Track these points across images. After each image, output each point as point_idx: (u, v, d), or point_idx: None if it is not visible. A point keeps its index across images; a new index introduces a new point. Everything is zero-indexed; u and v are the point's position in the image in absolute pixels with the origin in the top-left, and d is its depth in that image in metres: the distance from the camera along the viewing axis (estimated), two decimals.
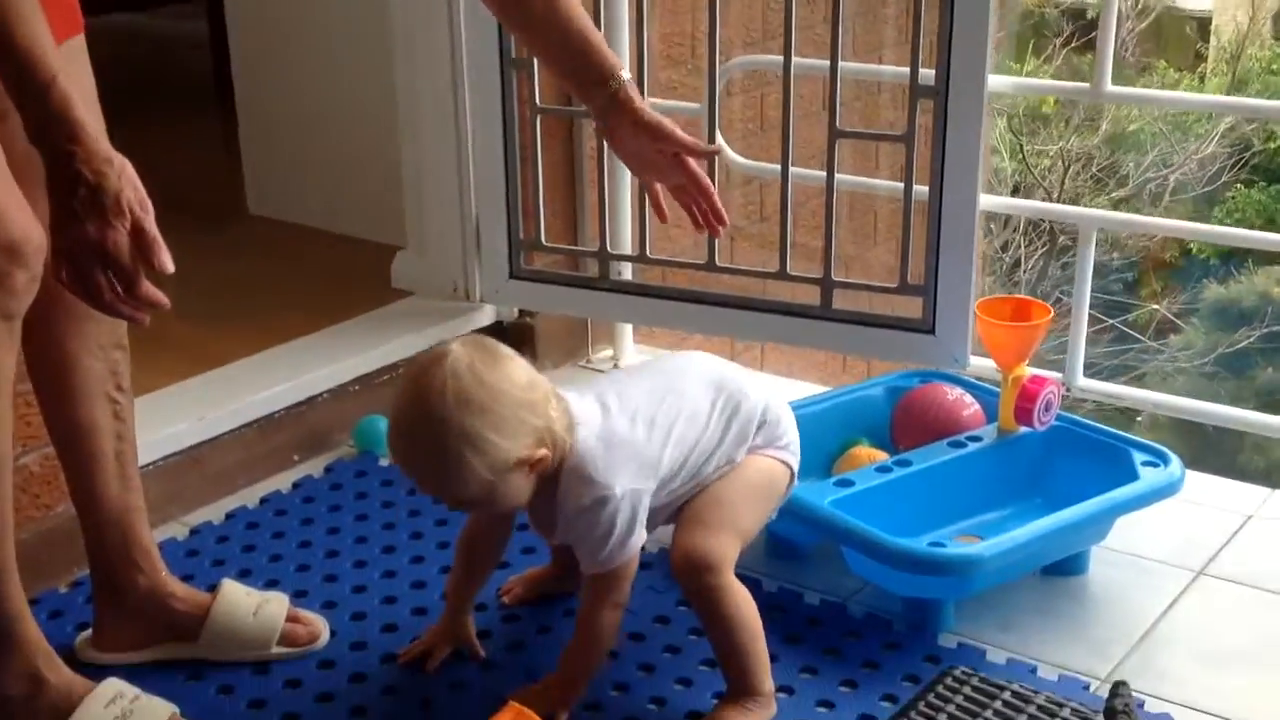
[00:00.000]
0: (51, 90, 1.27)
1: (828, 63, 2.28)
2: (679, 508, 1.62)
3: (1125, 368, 8.09)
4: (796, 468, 1.68)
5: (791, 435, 1.67)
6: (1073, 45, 8.48)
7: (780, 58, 2.32)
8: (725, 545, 1.55)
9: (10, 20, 1.26)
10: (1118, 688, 1.40)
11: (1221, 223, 10.49)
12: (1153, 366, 8.31)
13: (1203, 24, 13.42)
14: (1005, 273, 8.09)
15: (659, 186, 1.72)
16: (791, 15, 2.27)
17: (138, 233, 1.31)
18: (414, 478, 1.49)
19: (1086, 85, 2.19)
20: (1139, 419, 8.76)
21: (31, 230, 1.43)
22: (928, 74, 2.18)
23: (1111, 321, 9.01)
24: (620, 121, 1.66)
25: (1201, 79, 11.95)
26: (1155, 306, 9.46)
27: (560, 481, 1.51)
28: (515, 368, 1.47)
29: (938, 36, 2.14)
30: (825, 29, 2.31)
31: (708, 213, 1.70)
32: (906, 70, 2.22)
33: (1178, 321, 9.34)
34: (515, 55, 2.44)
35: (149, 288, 1.33)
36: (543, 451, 1.46)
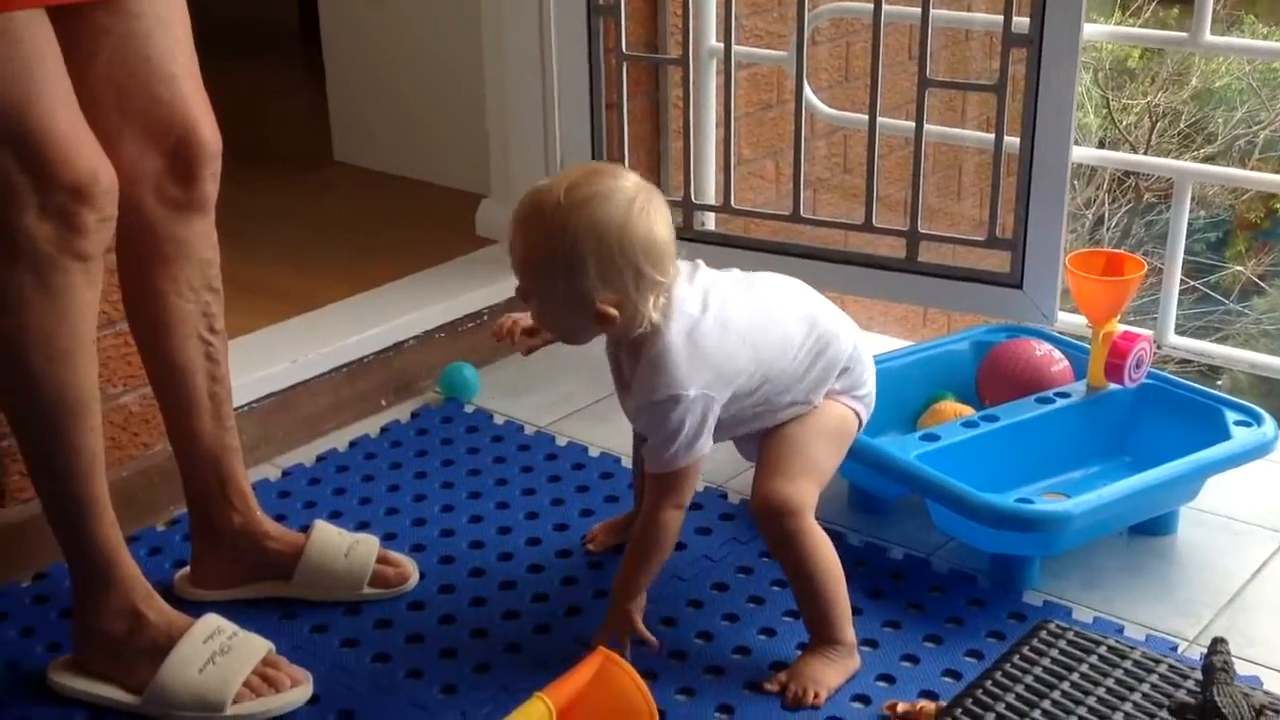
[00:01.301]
0: None
1: (918, 10, 2.25)
2: (753, 444, 1.63)
3: (1208, 329, 7.93)
4: (867, 419, 1.67)
5: (870, 385, 1.66)
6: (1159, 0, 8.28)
7: (869, 4, 2.29)
8: (804, 490, 1.56)
9: None
10: (1216, 644, 1.39)
11: None
12: (1236, 329, 8.14)
13: None
14: (1088, 230, 7.95)
15: None
16: None
17: None
18: (513, 249, 1.50)
19: (1185, 34, 2.14)
20: (1219, 382, 8.60)
21: (100, 169, 1.44)
22: (1021, 22, 2.14)
23: (1194, 284, 8.83)
24: None
25: None
26: (1239, 268, 9.25)
27: (640, 362, 1.52)
28: (660, 232, 1.47)
29: None
30: None
31: None
32: (999, 18, 2.19)
33: (1261, 284, 9.13)
34: (602, 1, 2.43)
35: None
36: (613, 313, 1.47)
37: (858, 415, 1.65)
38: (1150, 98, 7.70)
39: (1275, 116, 7.92)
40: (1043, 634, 1.52)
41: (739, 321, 1.55)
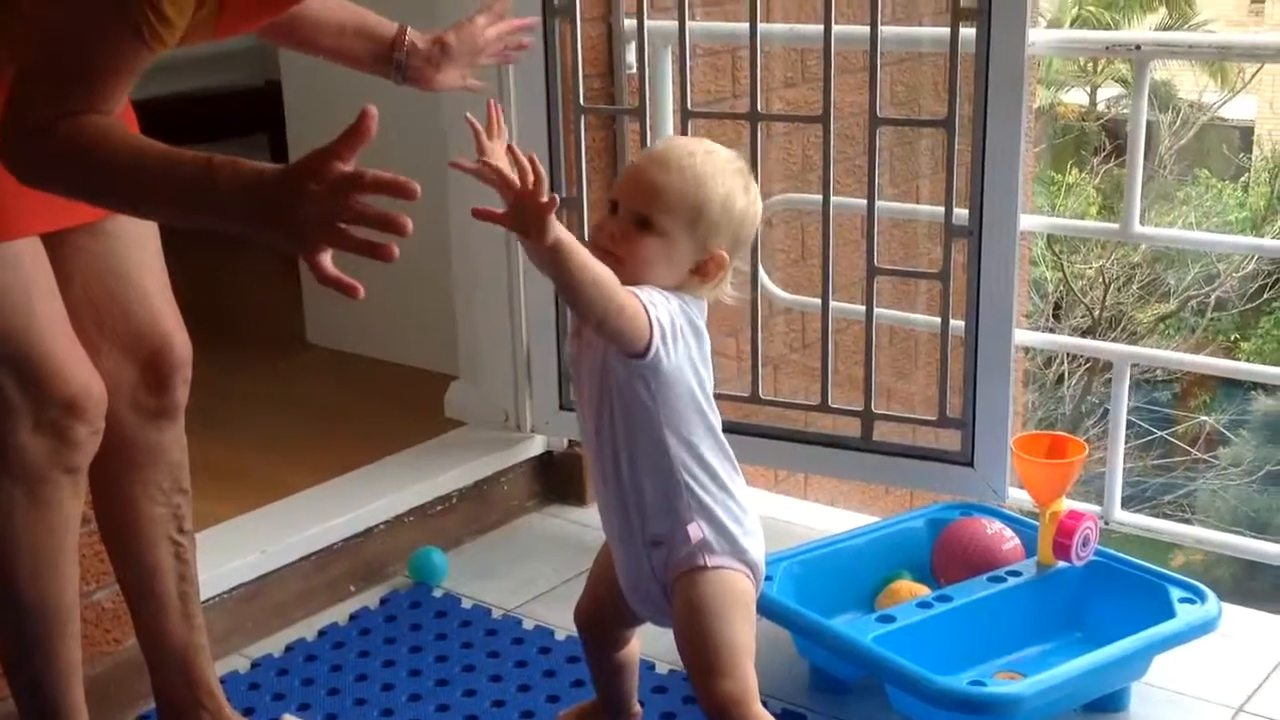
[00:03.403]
0: (215, 176, 1.26)
1: (865, 202, 2.36)
2: (654, 605, 1.65)
3: (1171, 486, 8.04)
4: (756, 581, 1.65)
5: (756, 552, 1.64)
6: (1115, 160, 8.60)
7: (819, 197, 2.40)
8: (743, 678, 1.58)
9: (127, 153, 1.28)
10: None
11: (1270, 333, 10.48)
12: (1200, 484, 8.25)
13: (1245, 134, 13.53)
14: (1050, 388, 8.11)
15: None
16: (829, 160, 2.36)
17: (359, 186, 1.23)
18: (652, 164, 1.57)
19: (1116, 226, 2.26)
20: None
21: (92, 384, 1.52)
22: (962, 214, 2.26)
23: (1160, 434, 8.98)
24: (422, 76, 1.76)
25: (1245, 189, 12.03)
26: (1205, 418, 9.41)
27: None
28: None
29: (970, 178, 2.22)
30: (865, 161, 2.40)
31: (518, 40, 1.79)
32: (941, 210, 2.30)
33: (1227, 434, 9.28)
34: (566, 195, 2.54)
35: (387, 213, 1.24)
36: (722, 254, 1.56)
37: (750, 580, 1.64)
38: (1102, 262, 7.94)
39: (1225, 278, 8.17)
40: None
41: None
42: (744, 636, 1.60)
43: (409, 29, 1.74)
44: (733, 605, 1.60)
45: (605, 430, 1.60)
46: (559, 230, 1.41)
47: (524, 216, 1.39)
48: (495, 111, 1.58)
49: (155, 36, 1.29)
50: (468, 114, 1.58)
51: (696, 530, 1.60)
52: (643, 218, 1.55)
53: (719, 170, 1.58)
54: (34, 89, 1.28)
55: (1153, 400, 9.19)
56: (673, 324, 1.54)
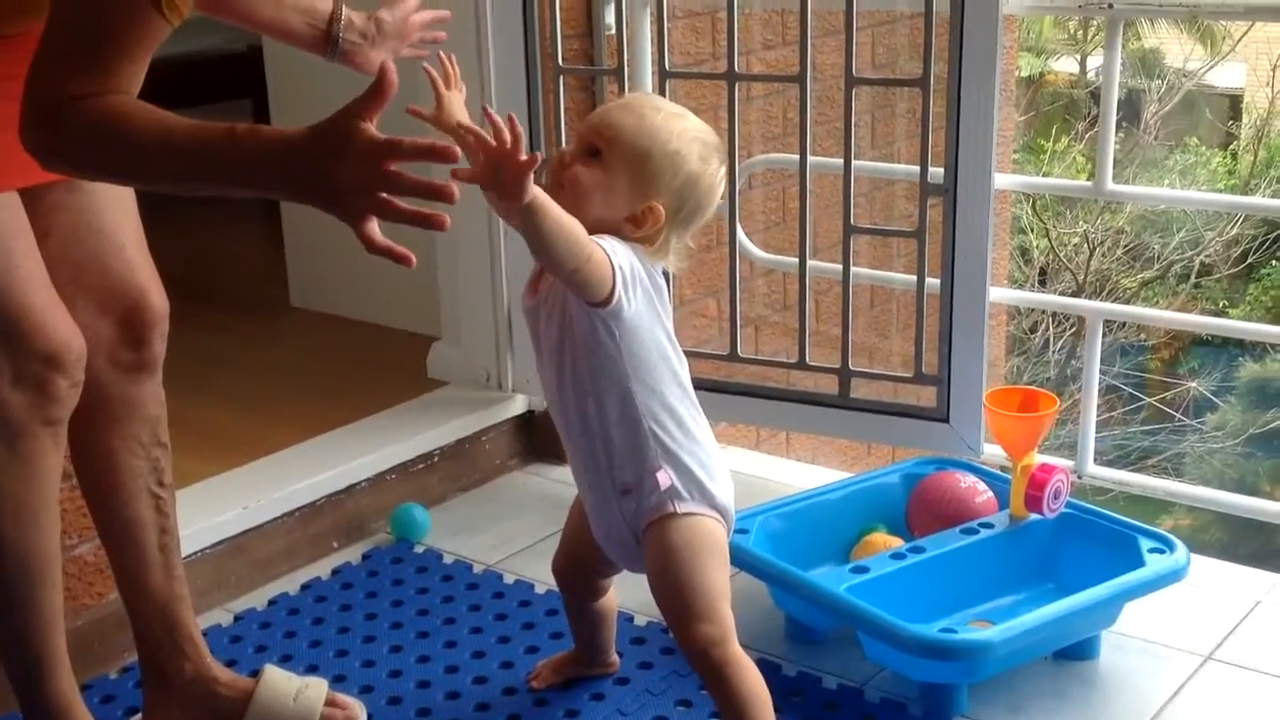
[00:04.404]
0: (241, 148, 1.26)
1: (841, 162, 2.38)
2: (630, 553, 1.68)
3: (1158, 448, 8.08)
4: (727, 524, 1.68)
5: (724, 496, 1.67)
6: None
7: (796, 156, 2.42)
8: (720, 619, 1.60)
9: (153, 127, 1.27)
10: None
11: (1258, 300, 10.52)
12: (1185, 446, 8.30)
13: (1234, 101, 13.52)
14: (1036, 353, 8.15)
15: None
16: (806, 119, 2.37)
17: (396, 154, 1.23)
18: (619, 108, 1.62)
19: (1089, 184, 2.28)
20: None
21: (73, 339, 1.54)
22: (937, 172, 2.28)
23: (1149, 400, 9.02)
24: (358, 53, 1.74)
25: (1234, 156, 12.04)
26: (1192, 385, 9.45)
27: None
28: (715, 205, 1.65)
29: (945, 136, 2.24)
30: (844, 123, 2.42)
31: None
32: (917, 169, 2.32)
33: (1214, 399, 9.32)
34: (544, 156, 2.55)
35: (432, 182, 1.24)
36: (659, 212, 1.57)
37: (721, 524, 1.67)
38: (1087, 225, 7.96)
39: (1210, 242, 8.19)
40: None
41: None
42: (718, 580, 1.63)
43: (344, 6, 1.74)
44: (705, 550, 1.63)
45: (568, 383, 1.62)
46: (534, 189, 1.42)
47: (501, 174, 1.40)
48: (450, 65, 1.61)
49: (174, 10, 1.30)
50: (425, 65, 1.59)
51: (665, 477, 1.62)
52: (593, 148, 1.59)
53: (677, 131, 1.60)
54: (54, 69, 1.29)
55: (1139, 365, 9.24)
56: (632, 270, 1.57)
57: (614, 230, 1.58)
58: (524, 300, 1.68)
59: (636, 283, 1.58)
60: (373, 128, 1.23)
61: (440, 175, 1.25)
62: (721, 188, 1.65)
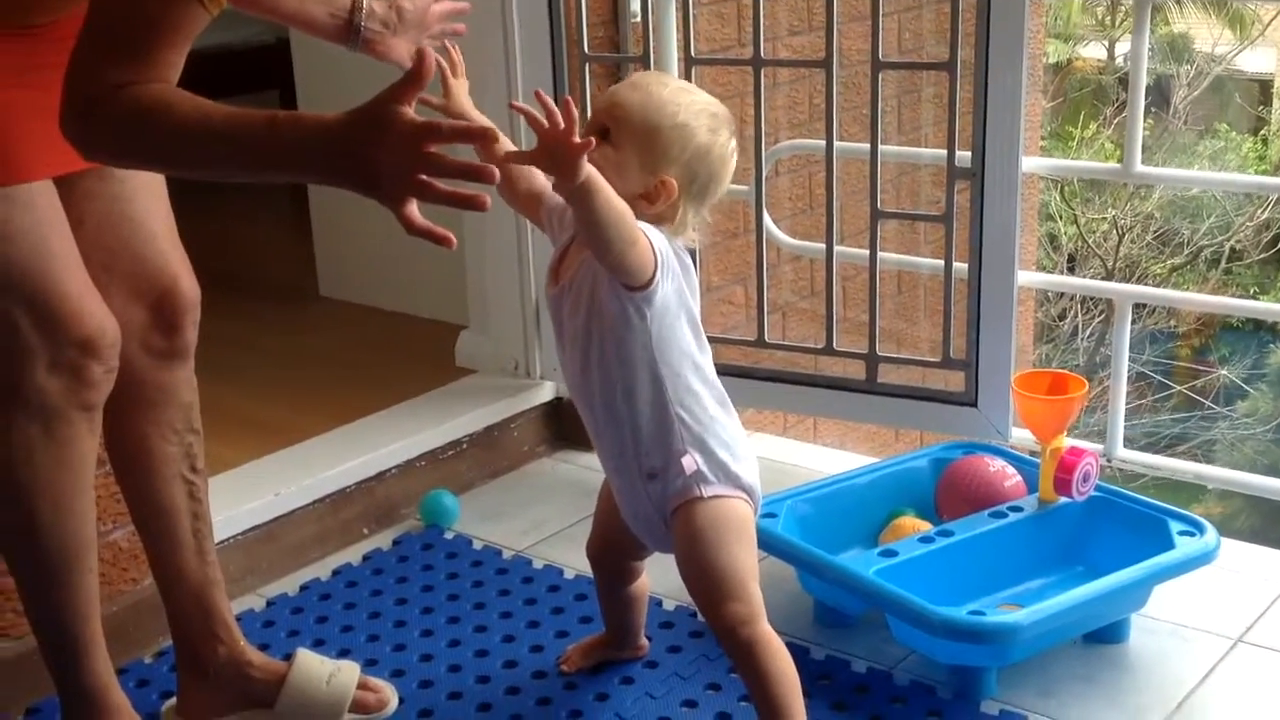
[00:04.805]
0: (281, 135, 1.28)
1: (868, 146, 2.37)
2: (658, 532, 1.68)
3: (1188, 435, 8.04)
4: (754, 504, 1.69)
5: (750, 475, 1.68)
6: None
7: (822, 141, 2.42)
8: (749, 598, 1.62)
9: (194, 115, 1.29)
10: None
11: None
12: (1215, 433, 8.26)
13: (1264, 86, 13.41)
14: (1064, 340, 8.11)
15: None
16: (833, 103, 2.37)
17: (436, 137, 1.25)
18: (627, 87, 1.62)
19: (1118, 165, 2.27)
20: (1210, 487, 8.69)
21: (107, 325, 1.56)
22: (965, 155, 2.27)
23: (1179, 388, 8.97)
24: (379, 41, 1.74)
25: (1264, 141, 11.95)
26: (1222, 372, 9.39)
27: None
28: (730, 175, 1.64)
29: (973, 119, 2.23)
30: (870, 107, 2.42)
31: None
32: (944, 152, 2.31)
33: (1245, 386, 9.26)
34: None
35: (471, 164, 1.26)
36: (673, 187, 1.58)
37: (748, 504, 1.68)
38: (1115, 210, 7.91)
39: (1240, 227, 8.13)
40: None
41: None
42: (745, 560, 1.64)
43: None
44: (731, 531, 1.64)
45: (594, 368, 1.62)
46: (589, 168, 1.44)
47: (556, 156, 1.42)
48: (456, 54, 1.65)
49: (214, 0, 1.31)
50: (434, 54, 1.60)
51: (690, 462, 1.63)
52: (603, 128, 1.60)
53: (686, 105, 1.60)
54: (95, 60, 1.30)
55: (1169, 353, 9.18)
56: (665, 254, 1.57)
57: (630, 208, 1.57)
58: (546, 289, 1.69)
59: (669, 266, 1.58)
60: (411, 111, 1.24)
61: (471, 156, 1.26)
62: (734, 159, 1.65)
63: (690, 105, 1.60)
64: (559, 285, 1.65)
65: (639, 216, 1.57)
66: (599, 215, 1.47)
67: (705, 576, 1.63)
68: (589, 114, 2.56)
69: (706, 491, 1.63)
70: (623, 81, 1.69)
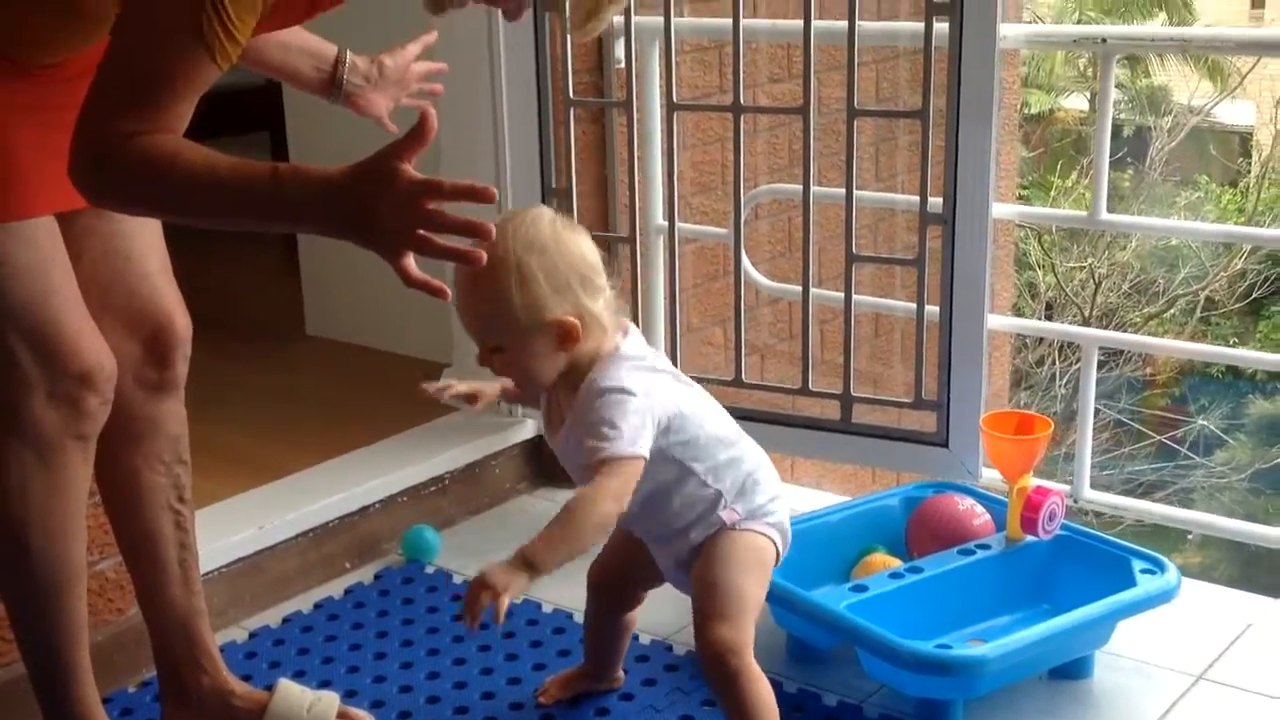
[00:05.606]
0: (284, 188, 1.32)
1: (844, 191, 2.44)
2: (682, 575, 1.74)
3: (1164, 483, 8.10)
4: (782, 546, 1.77)
5: (780, 514, 1.76)
6: (1112, 164, 8.71)
7: (799, 186, 2.48)
8: (742, 629, 1.68)
9: (201, 166, 1.32)
10: None
11: (1269, 337, 10.54)
12: (1192, 481, 8.32)
13: (1244, 140, 13.60)
14: (1042, 387, 8.19)
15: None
16: (810, 149, 2.44)
17: (437, 193, 1.29)
18: (462, 307, 1.62)
19: (1084, 214, 2.33)
20: (1190, 537, 8.75)
21: (104, 359, 1.61)
22: (936, 202, 2.33)
23: (1159, 438, 9.04)
24: (360, 95, 1.84)
25: (1243, 193, 12.09)
26: (1202, 421, 9.47)
27: (589, 375, 1.63)
28: (589, 246, 1.64)
29: (945, 167, 2.30)
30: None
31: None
32: (917, 199, 2.38)
33: (1223, 436, 9.34)
34: (555, 185, 2.62)
35: (470, 220, 1.30)
36: (573, 321, 1.60)
37: (774, 543, 1.76)
38: (1092, 260, 8.02)
39: (1214, 277, 8.23)
40: None
41: (673, 374, 1.72)
42: (753, 591, 1.71)
43: (348, 50, 1.82)
44: (750, 561, 1.72)
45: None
46: (519, 572, 1.53)
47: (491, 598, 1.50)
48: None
49: (224, 56, 1.35)
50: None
51: (732, 514, 1.72)
52: (487, 347, 1.64)
53: (501, 259, 1.56)
54: (107, 110, 1.34)
55: (1145, 401, 9.27)
56: (641, 417, 1.61)
57: (574, 364, 1.64)
58: (547, 437, 1.75)
59: (649, 418, 1.62)
60: (412, 169, 1.29)
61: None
62: (562, 229, 1.62)
63: (506, 253, 1.57)
64: (560, 433, 1.70)
65: (584, 368, 1.62)
66: (579, 547, 1.56)
67: (709, 592, 1.69)
68: (573, 157, 2.64)
69: (739, 525, 1.72)
70: (456, 291, 1.62)
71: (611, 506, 1.56)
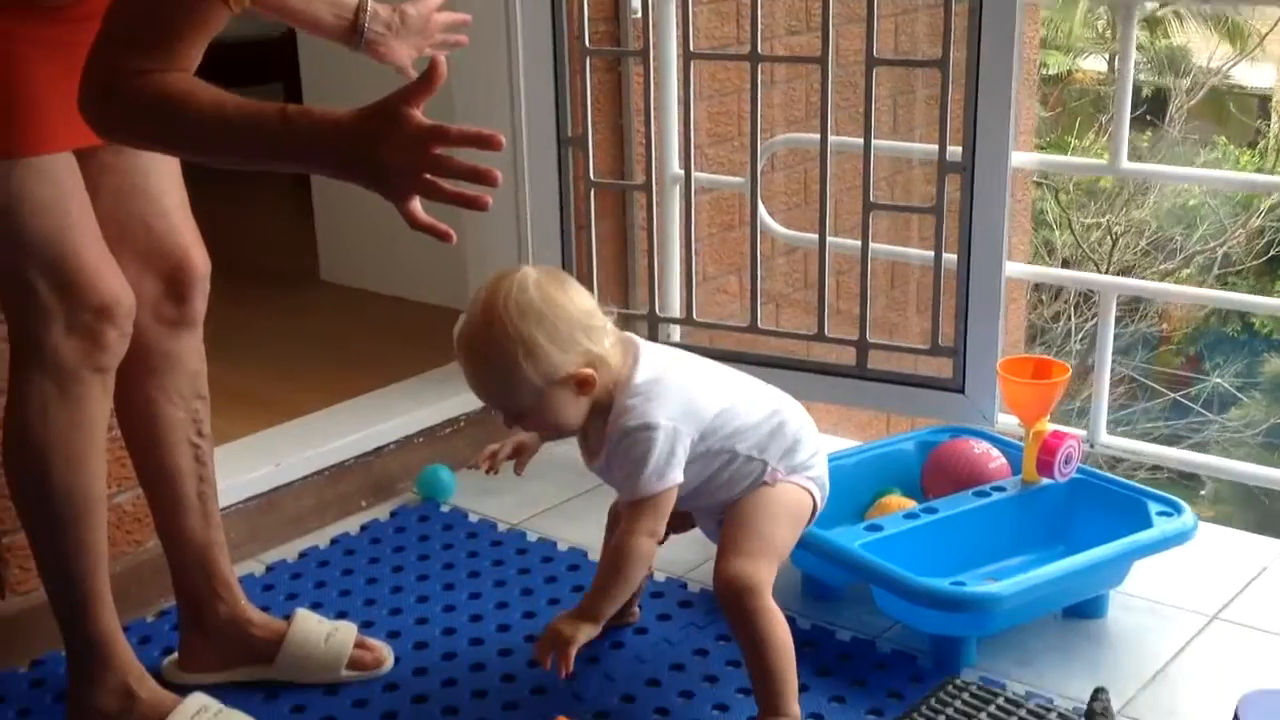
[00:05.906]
0: (292, 127, 1.32)
1: (861, 140, 2.43)
2: (714, 522, 1.78)
3: (1179, 436, 8.09)
4: (820, 498, 1.82)
5: (820, 469, 1.82)
6: (1131, 123, 8.67)
7: (816, 135, 2.47)
8: (763, 568, 1.70)
9: (209, 103, 1.33)
10: (1097, 693, 1.53)
11: None
12: (1206, 437, 8.32)
13: (1263, 101, 13.48)
14: (1058, 343, 8.18)
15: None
16: (827, 98, 2.43)
17: (444, 139, 1.30)
18: (474, 384, 1.67)
19: (1104, 161, 2.32)
20: (1203, 492, 8.75)
21: (122, 293, 1.62)
22: (956, 151, 2.33)
23: (1174, 395, 9.03)
24: (382, 43, 1.83)
25: (1262, 155, 12.02)
26: (1217, 379, 9.45)
27: (613, 409, 1.68)
28: (578, 293, 1.67)
29: (964, 115, 2.29)
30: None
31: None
32: (935, 148, 2.37)
33: (1238, 394, 9.32)
34: (571, 134, 2.62)
35: (477, 166, 1.31)
36: (589, 371, 1.63)
37: (812, 496, 1.80)
38: (1110, 216, 7.98)
39: (1231, 233, 8.19)
40: (948, 687, 1.67)
41: (698, 370, 1.76)
42: (781, 535, 1.75)
43: None
44: (784, 508, 1.75)
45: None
46: (583, 624, 1.65)
47: (558, 653, 1.64)
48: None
49: (238, 0, 1.36)
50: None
51: (774, 474, 1.76)
52: (510, 414, 1.68)
53: (501, 336, 1.60)
54: (117, 47, 1.35)
55: (1161, 359, 9.24)
56: (670, 445, 1.67)
57: (595, 404, 1.67)
58: (587, 465, 1.78)
59: (679, 445, 1.68)
60: (420, 114, 1.29)
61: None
62: (557, 281, 1.65)
63: (505, 326, 1.60)
64: (599, 460, 1.74)
65: (607, 398, 1.67)
66: (633, 582, 1.70)
67: (740, 527, 1.73)
68: (589, 105, 2.63)
69: (779, 480, 1.76)
70: (462, 364, 1.68)
71: (647, 543, 1.68)
